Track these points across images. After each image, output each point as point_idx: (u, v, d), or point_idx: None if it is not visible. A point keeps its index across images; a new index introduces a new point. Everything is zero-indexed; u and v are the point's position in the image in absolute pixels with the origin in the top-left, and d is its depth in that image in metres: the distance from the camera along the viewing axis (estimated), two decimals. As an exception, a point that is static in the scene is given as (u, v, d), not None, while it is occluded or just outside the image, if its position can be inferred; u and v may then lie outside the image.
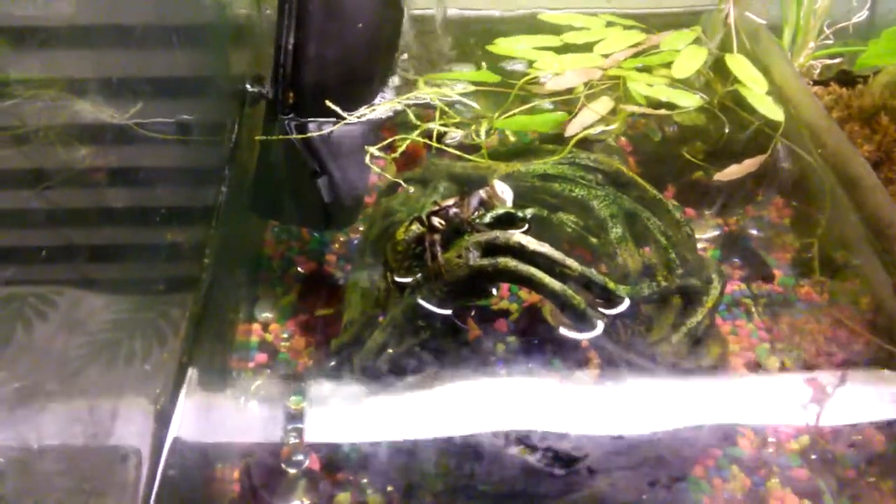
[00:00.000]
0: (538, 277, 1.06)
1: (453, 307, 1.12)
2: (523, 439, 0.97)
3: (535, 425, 1.01)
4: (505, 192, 1.16)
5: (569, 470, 0.95)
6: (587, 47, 1.60)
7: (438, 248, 1.09)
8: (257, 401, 1.10)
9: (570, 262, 1.08)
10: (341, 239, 1.34)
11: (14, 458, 0.86)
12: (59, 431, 0.89)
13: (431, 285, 1.09)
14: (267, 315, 1.21)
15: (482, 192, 1.17)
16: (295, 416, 1.07)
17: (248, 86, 1.46)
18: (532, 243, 1.08)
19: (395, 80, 1.58)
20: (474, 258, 1.07)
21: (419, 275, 1.11)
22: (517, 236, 1.08)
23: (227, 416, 1.08)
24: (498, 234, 1.09)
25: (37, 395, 0.91)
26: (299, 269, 1.29)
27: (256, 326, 1.19)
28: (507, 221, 1.16)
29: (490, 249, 1.09)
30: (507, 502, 0.97)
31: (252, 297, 1.24)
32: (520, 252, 1.08)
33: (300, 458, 1.02)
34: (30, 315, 1.00)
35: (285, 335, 1.18)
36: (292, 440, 1.04)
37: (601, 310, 1.10)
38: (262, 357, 1.15)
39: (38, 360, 0.95)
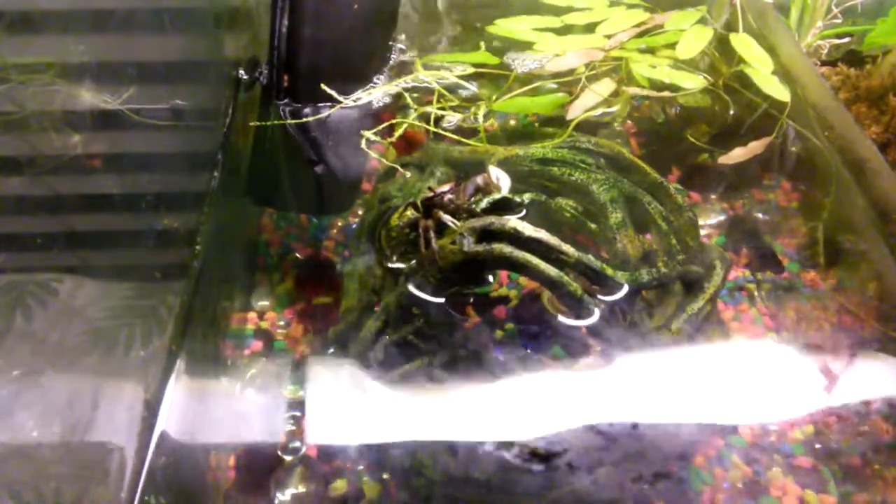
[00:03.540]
0: (534, 264, 1.04)
1: (448, 294, 1.10)
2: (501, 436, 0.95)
3: (522, 419, 1.00)
4: (501, 179, 1.14)
5: (547, 465, 0.93)
6: (589, 28, 1.57)
7: (432, 234, 1.07)
8: (253, 389, 1.09)
9: (567, 248, 1.06)
10: (339, 224, 1.32)
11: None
12: (47, 420, 0.89)
13: (425, 272, 1.08)
14: (263, 303, 1.20)
15: (479, 179, 1.15)
16: (292, 404, 1.06)
17: (241, 70, 1.44)
18: (528, 229, 1.06)
19: (392, 63, 1.56)
20: (469, 244, 1.05)
21: (413, 261, 1.10)
22: (513, 222, 1.06)
23: (222, 404, 1.07)
24: (493, 220, 1.07)
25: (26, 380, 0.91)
26: (297, 255, 1.28)
27: (253, 315, 1.18)
28: (503, 207, 1.14)
29: (485, 235, 1.07)
30: (488, 498, 0.96)
31: (248, 284, 1.23)
32: (515, 238, 1.06)
33: (297, 445, 1.01)
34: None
35: (282, 323, 1.17)
36: (289, 428, 1.03)
37: (599, 297, 1.08)
38: (257, 345, 1.14)
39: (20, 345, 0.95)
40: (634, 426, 0.97)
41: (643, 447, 0.96)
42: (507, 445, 0.95)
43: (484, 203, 1.13)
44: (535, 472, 0.93)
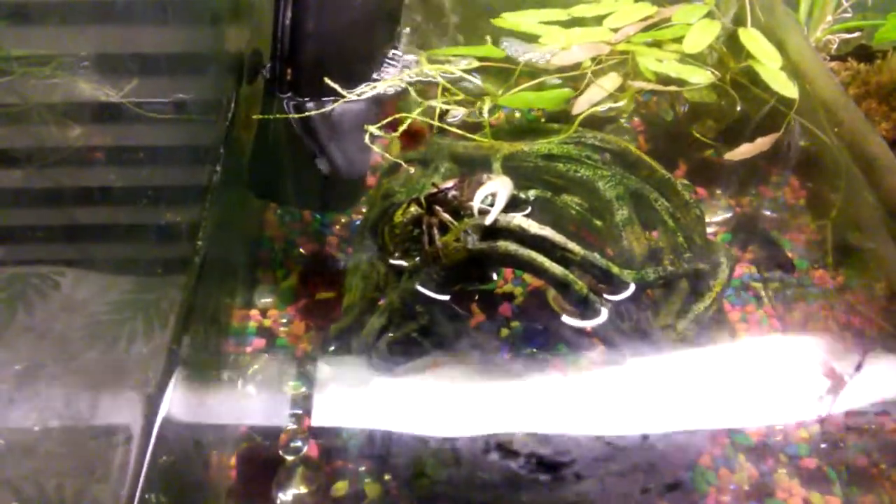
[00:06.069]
0: (539, 262, 1.03)
1: (452, 292, 1.09)
2: (505, 444, 0.94)
3: (528, 425, 0.98)
4: (500, 192, 1.09)
5: (554, 476, 0.92)
6: (597, 21, 1.56)
7: (436, 231, 1.06)
8: (255, 386, 1.08)
9: (573, 245, 1.05)
10: (343, 220, 1.32)
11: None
12: (48, 415, 0.89)
13: (429, 269, 1.07)
14: (266, 300, 1.19)
15: (483, 177, 1.13)
16: (293, 402, 1.05)
17: (244, 64, 1.43)
18: (533, 226, 1.05)
19: (396, 56, 1.55)
20: (473, 241, 1.04)
21: (417, 258, 1.09)
22: (518, 219, 1.05)
23: (223, 403, 1.07)
24: (498, 217, 1.06)
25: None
26: (301, 251, 1.27)
27: (255, 312, 1.18)
28: (508, 204, 1.13)
29: (490, 233, 1.06)
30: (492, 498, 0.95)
31: (251, 280, 1.22)
32: (520, 235, 1.05)
33: (298, 444, 1.01)
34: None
35: (284, 320, 1.16)
36: (290, 426, 1.03)
37: (605, 295, 1.07)
38: (259, 342, 1.14)
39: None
40: (645, 437, 0.96)
41: (649, 450, 0.96)
42: (513, 455, 0.94)
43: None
44: (542, 480, 0.92)
